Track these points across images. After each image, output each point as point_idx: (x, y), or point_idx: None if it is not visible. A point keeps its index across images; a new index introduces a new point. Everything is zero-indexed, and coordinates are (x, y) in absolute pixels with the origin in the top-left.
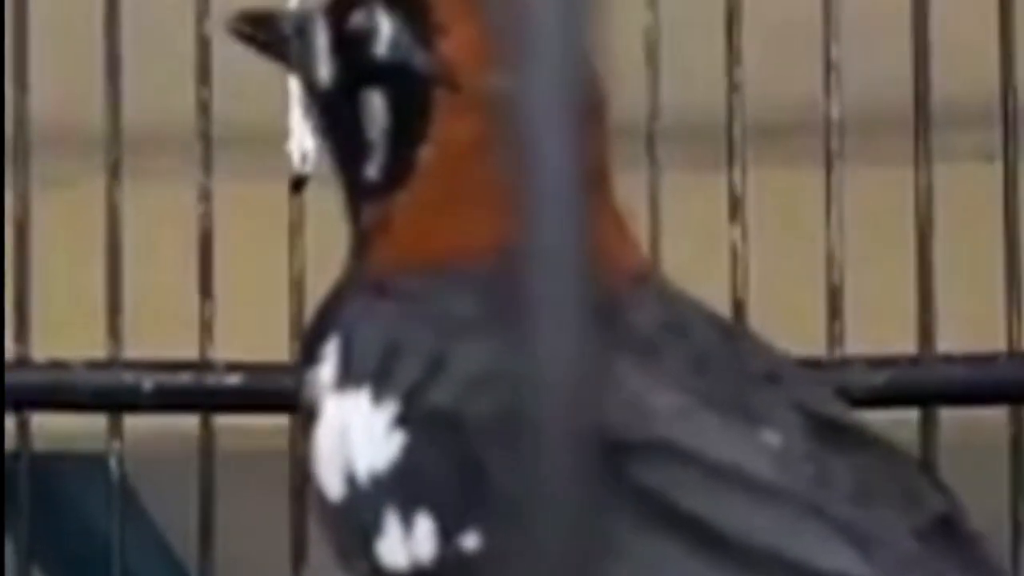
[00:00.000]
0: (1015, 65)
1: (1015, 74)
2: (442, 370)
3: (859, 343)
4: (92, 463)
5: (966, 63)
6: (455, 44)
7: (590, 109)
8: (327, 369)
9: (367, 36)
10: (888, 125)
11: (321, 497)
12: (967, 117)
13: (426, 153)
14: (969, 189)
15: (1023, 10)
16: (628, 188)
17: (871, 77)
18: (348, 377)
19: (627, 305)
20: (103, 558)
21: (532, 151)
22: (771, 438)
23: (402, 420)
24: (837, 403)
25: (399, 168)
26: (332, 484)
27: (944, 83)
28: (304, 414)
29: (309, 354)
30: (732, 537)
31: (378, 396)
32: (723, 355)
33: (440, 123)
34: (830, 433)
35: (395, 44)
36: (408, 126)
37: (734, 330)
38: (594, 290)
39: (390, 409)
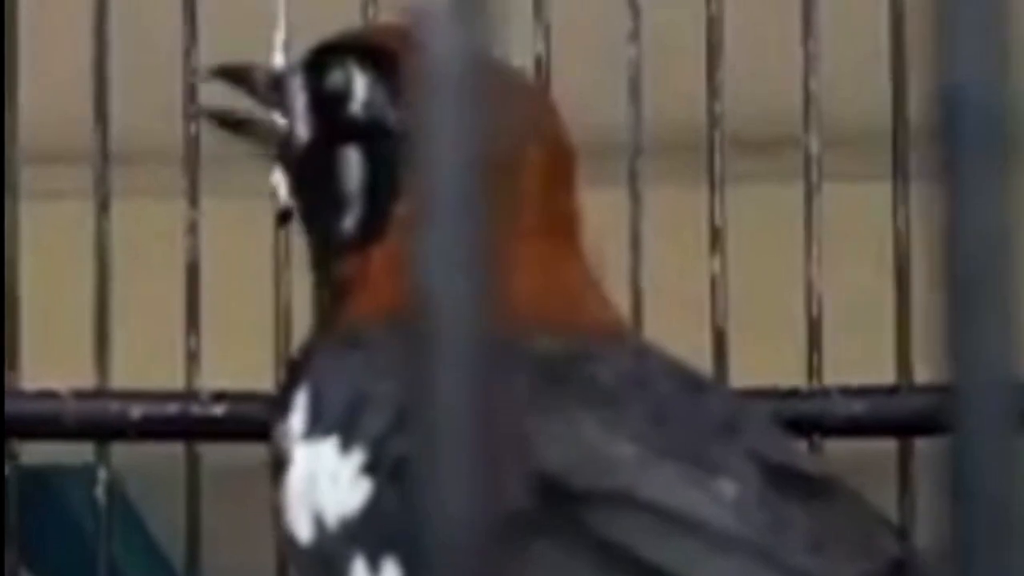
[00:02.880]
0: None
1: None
2: (408, 418)
3: (839, 372)
4: (84, 470)
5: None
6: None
7: (560, 162)
8: (297, 418)
9: (343, 95)
10: (864, 140)
11: (291, 541)
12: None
13: (401, 208)
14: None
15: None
16: (608, 207)
17: (848, 91)
18: (317, 426)
19: (590, 357)
20: (94, 567)
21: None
22: (727, 487)
23: (369, 468)
24: (797, 451)
25: (374, 222)
26: (302, 529)
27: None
28: (275, 462)
29: (281, 403)
30: None
31: (346, 444)
32: (683, 406)
33: (409, 177)
34: (787, 481)
35: (370, 102)
36: (383, 182)
37: (698, 381)
38: (497, 333)
39: (358, 457)
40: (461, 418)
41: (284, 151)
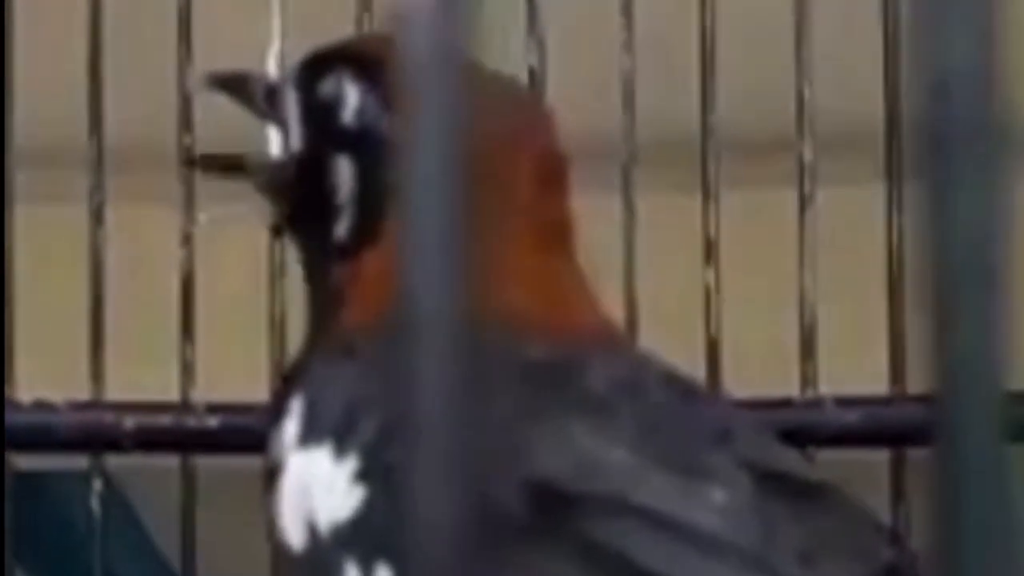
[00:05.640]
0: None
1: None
2: (401, 426)
3: (832, 382)
4: (81, 477)
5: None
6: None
7: (552, 169)
8: (291, 425)
9: (335, 104)
10: (859, 147)
11: (284, 548)
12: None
13: (392, 216)
14: None
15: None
16: (602, 215)
17: (842, 98)
18: (311, 433)
19: (582, 364)
20: (91, 573)
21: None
22: (719, 496)
23: (362, 475)
24: (790, 457)
25: (367, 230)
26: (295, 535)
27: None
28: (268, 469)
29: (276, 411)
30: None
31: (340, 451)
32: (676, 414)
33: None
34: (779, 488)
35: (362, 111)
36: (375, 190)
37: (690, 389)
38: (478, 338)
39: (351, 464)
40: (440, 423)
41: (274, 173)
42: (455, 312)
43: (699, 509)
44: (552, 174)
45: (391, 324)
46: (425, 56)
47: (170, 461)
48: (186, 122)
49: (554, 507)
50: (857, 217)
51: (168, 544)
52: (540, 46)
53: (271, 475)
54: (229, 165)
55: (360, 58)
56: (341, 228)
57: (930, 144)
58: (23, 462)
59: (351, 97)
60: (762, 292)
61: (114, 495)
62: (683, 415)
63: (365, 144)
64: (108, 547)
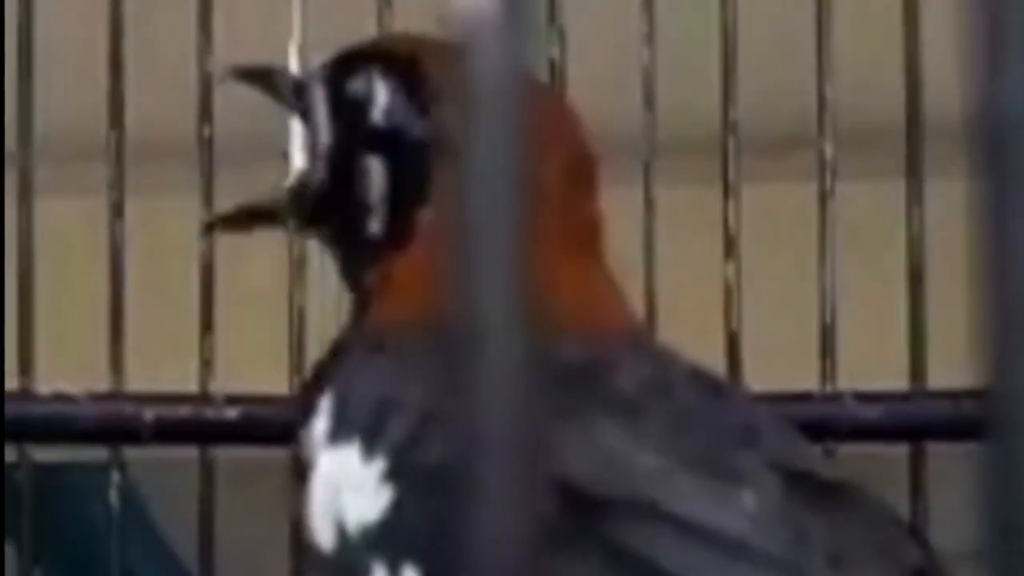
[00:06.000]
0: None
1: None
2: (432, 426)
3: (852, 377)
4: (98, 470)
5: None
6: (449, 110)
7: (582, 170)
8: (321, 423)
9: (365, 103)
10: (879, 142)
11: (313, 547)
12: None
13: (424, 215)
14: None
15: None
16: (622, 208)
17: (863, 94)
18: (340, 430)
19: (612, 365)
20: (107, 567)
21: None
22: (749, 499)
23: (392, 475)
24: (813, 456)
25: (398, 229)
26: (324, 535)
27: (936, 99)
28: (298, 468)
29: (305, 408)
30: None
31: (369, 451)
32: (705, 415)
33: (437, 186)
34: (808, 491)
35: (391, 111)
36: (406, 189)
37: (718, 388)
38: (540, 345)
39: (380, 464)
40: (506, 432)
41: (300, 185)
42: (520, 323)
43: (729, 513)
44: (582, 175)
45: (437, 329)
46: (491, 72)
47: (189, 453)
48: (206, 114)
49: (582, 510)
50: (877, 212)
51: (185, 537)
52: (561, 39)
53: (300, 473)
54: (261, 216)
55: (390, 57)
56: (372, 227)
57: (990, 164)
58: (41, 453)
59: (381, 96)
60: (782, 286)
61: (129, 495)
62: (711, 415)
63: (394, 143)
64: (124, 540)
